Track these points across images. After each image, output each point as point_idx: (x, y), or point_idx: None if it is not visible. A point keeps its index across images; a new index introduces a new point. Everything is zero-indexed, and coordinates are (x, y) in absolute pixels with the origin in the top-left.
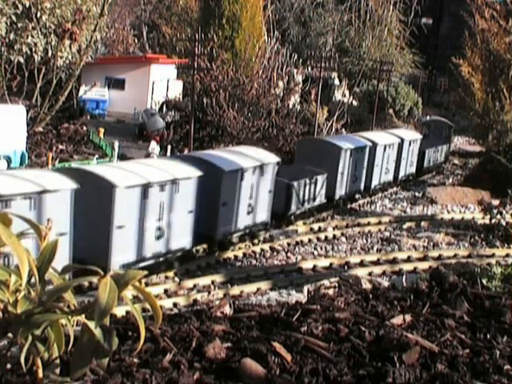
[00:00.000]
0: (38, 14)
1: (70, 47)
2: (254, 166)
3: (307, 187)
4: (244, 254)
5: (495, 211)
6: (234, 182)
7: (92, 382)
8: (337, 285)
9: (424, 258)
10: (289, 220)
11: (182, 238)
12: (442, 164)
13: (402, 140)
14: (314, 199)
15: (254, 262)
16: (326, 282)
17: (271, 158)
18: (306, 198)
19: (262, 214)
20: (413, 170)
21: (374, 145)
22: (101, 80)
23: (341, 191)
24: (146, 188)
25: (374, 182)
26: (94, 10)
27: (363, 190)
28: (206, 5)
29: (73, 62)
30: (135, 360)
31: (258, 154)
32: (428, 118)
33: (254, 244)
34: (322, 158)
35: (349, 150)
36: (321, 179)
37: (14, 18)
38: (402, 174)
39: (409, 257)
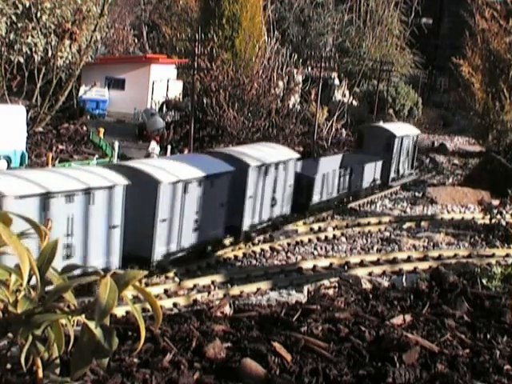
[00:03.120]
0: (38, 14)
1: (70, 47)
2: None
3: None
4: (244, 254)
5: (495, 211)
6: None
7: (92, 382)
8: (337, 285)
9: (424, 258)
10: None
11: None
12: (373, 189)
13: (257, 165)
14: None
15: (253, 262)
16: (326, 282)
17: None
18: None
19: None
20: (283, 210)
21: (183, 183)
22: (101, 80)
23: None
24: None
25: (183, 244)
26: (94, 9)
27: (142, 265)
28: (205, 5)
29: (73, 62)
30: (135, 360)
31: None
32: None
33: (253, 244)
34: None
35: (72, 196)
36: None
37: (14, 17)
38: (250, 221)
39: (409, 257)
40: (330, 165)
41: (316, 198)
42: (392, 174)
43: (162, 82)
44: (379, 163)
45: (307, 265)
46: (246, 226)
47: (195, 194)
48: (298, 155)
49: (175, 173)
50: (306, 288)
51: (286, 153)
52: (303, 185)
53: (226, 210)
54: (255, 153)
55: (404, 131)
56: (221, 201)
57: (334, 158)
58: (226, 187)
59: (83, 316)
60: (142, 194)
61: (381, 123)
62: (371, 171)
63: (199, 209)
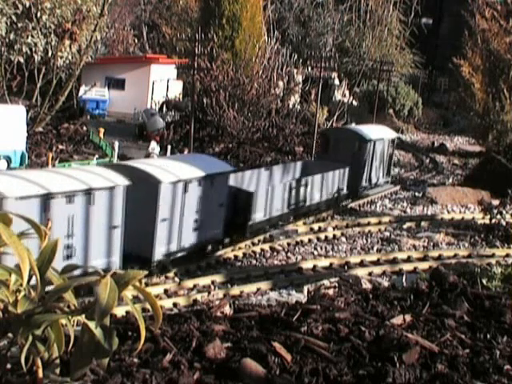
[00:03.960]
0: (38, 14)
1: (70, 47)
2: None
3: None
4: (244, 254)
5: (495, 211)
6: None
7: (92, 382)
8: (337, 285)
9: (424, 258)
10: None
11: None
12: (338, 201)
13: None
14: None
15: (254, 261)
16: (326, 282)
17: None
18: None
19: None
20: (212, 234)
21: (41, 198)
22: (101, 80)
23: None
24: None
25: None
26: (94, 9)
27: None
28: (206, 5)
29: (73, 62)
30: (135, 360)
31: None
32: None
33: (253, 244)
34: None
35: None
36: None
37: (14, 17)
38: (165, 249)
39: (409, 257)
40: (283, 175)
41: (258, 217)
42: (363, 183)
43: (162, 82)
44: (345, 171)
45: (307, 265)
46: (159, 255)
47: (63, 212)
48: (231, 168)
49: (30, 185)
50: (306, 288)
51: (215, 165)
52: (241, 201)
53: (125, 234)
54: (172, 166)
55: (377, 134)
56: (112, 223)
57: (290, 166)
58: (119, 206)
59: (83, 316)
60: None
61: (352, 125)
62: (334, 181)
63: (71, 232)
